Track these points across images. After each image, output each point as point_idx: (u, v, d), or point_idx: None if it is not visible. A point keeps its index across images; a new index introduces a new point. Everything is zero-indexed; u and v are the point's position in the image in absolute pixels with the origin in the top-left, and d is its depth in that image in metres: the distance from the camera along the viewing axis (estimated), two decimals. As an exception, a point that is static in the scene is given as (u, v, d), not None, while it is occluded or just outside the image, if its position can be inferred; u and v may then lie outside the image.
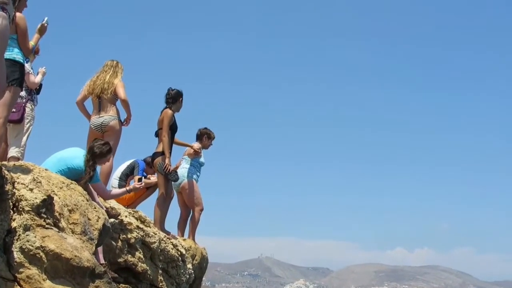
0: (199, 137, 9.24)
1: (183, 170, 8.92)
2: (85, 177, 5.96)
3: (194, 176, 8.92)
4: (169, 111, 8.13)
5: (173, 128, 8.16)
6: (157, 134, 8.23)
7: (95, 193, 6.16)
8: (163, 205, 8.07)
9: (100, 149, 6.12)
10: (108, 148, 6.23)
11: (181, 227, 9.00)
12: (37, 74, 7.87)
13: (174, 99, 8.29)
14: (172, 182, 8.50)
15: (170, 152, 8.04)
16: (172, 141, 8.18)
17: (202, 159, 9.13)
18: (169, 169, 7.90)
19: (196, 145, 9.00)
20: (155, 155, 8.17)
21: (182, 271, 7.51)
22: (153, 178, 8.63)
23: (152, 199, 8.73)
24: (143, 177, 8.85)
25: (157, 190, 8.38)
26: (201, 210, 8.88)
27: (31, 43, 6.15)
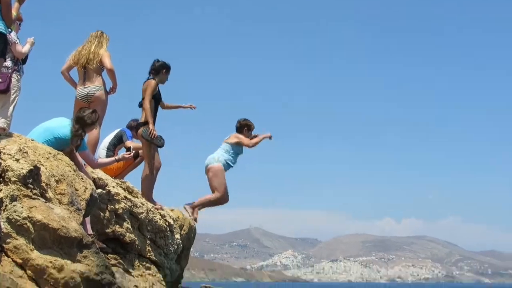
0: (238, 129, 9.24)
1: (218, 154, 9.03)
2: (71, 146, 5.94)
3: (227, 161, 9.00)
4: (152, 81, 8.07)
5: (156, 97, 8.10)
6: (140, 105, 8.17)
7: (82, 164, 6.15)
8: (150, 176, 8.05)
9: (91, 118, 6.14)
10: (98, 116, 6.28)
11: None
12: (25, 44, 7.73)
13: (156, 70, 8.22)
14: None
15: (154, 121, 7.98)
16: (156, 110, 8.13)
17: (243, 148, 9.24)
18: (155, 135, 7.82)
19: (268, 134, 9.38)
20: (138, 125, 8.10)
21: (170, 241, 7.55)
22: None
23: (139, 170, 8.71)
24: (132, 145, 8.80)
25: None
26: (221, 197, 8.99)
27: (13, 12, 6.08)
